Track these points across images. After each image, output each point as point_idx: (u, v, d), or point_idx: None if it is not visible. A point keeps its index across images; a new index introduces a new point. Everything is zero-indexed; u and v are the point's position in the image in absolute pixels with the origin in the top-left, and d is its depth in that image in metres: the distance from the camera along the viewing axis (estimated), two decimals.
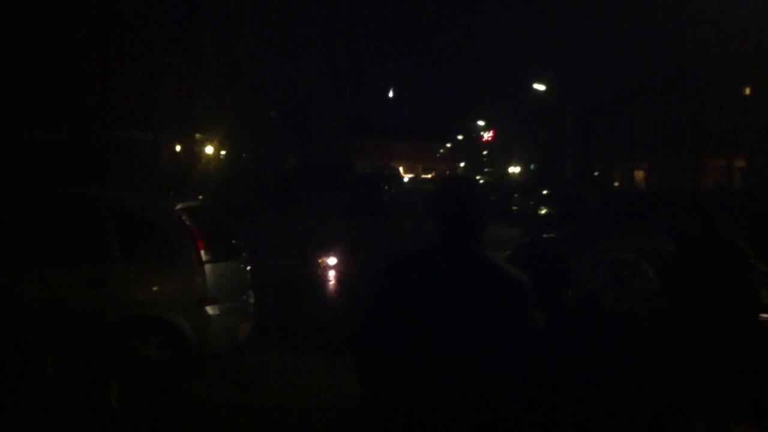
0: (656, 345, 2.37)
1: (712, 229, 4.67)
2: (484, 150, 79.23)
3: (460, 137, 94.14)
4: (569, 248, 8.08)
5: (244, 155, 39.47)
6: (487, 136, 78.17)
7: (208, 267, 6.62)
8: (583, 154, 44.36)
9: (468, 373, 2.56)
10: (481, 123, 79.40)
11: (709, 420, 4.44)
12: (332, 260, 15.44)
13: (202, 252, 6.62)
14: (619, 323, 2.36)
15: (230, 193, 24.03)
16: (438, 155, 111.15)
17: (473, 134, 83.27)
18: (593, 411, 2.31)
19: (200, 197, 7.91)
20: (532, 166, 55.47)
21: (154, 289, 6.69)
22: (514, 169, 63.98)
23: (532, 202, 26.69)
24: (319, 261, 15.56)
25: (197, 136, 34.76)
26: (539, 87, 42.59)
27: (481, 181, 40.59)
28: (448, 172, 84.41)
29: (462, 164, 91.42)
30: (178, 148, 33.04)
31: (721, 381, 4.39)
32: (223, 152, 36.86)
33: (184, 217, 6.76)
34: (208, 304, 6.59)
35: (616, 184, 42.19)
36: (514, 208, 28.78)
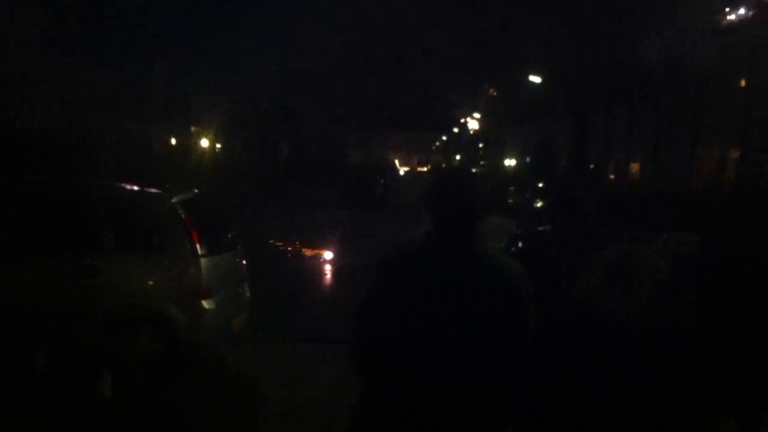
0: (656, 345, 2.36)
1: (736, 227, 4.63)
2: (479, 143, 79.15)
3: (455, 130, 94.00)
4: (566, 244, 8.09)
5: (240, 149, 39.40)
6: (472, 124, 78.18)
7: (203, 260, 6.62)
8: (578, 148, 44.33)
9: (466, 369, 2.53)
10: (477, 115, 79.35)
11: (741, 416, 4.40)
12: (329, 254, 15.43)
13: (197, 244, 6.62)
14: (616, 323, 2.34)
15: (224, 185, 23.99)
16: (434, 148, 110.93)
17: (468, 126, 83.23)
18: (592, 411, 2.32)
19: (195, 190, 7.89)
20: (528, 159, 55.43)
21: (149, 281, 6.68)
22: (509, 162, 63.92)
23: (527, 195, 26.70)
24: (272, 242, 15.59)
25: (192, 128, 34.67)
26: (535, 79, 42.48)
27: (474, 170, 40.37)
28: (444, 165, 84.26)
29: (458, 157, 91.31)
30: (173, 140, 32.96)
31: (747, 379, 4.35)
32: (218, 145, 36.79)
33: (179, 210, 6.75)
34: (203, 297, 6.59)
35: (611, 177, 42.20)
36: (510, 200, 28.80)
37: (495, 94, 64.29)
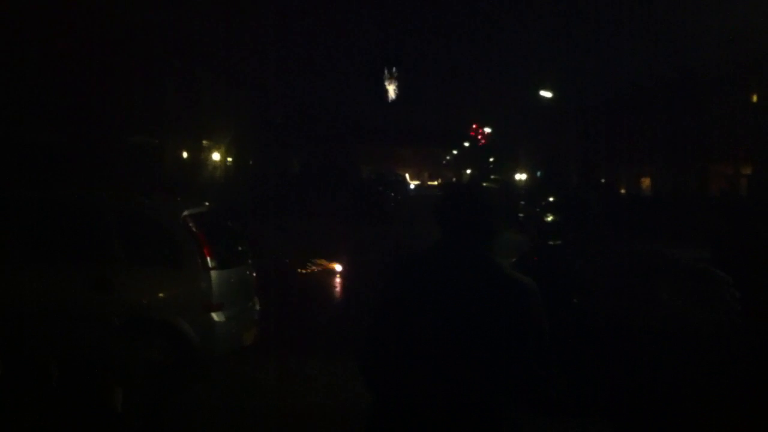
0: (663, 356, 2.34)
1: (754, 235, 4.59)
2: (490, 157, 79.17)
3: (466, 144, 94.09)
4: (575, 255, 8.07)
5: (251, 162, 39.55)
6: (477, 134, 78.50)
7: (213, 273, 6.63)
8: (588, 161, 44.30)
9: (473, 377, 2.56)
10: (487, 130, 79.41)
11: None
12: (338, 267, 15.42)
13: (208, 258, 6.63)
14: (623, 333, 2.34)
15: (236, 199, 24.03)
16: (444, 162, 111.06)
17: (478, 138, 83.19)
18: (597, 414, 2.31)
19: (207, 203, 7.92)
20: (538, 173, 55.37)
21: (160, 294, 6.70)
22: (520, 176, 63.89)
23: (538, 209, 26.65)
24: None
25: (204, 142, 34.83)
26: (546, 94, 42.48)
27: (484, 185, 40.36)
28: (454, 179, 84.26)
29: (468, 171, 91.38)
30: (185, 154, 33.11)
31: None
32: (229, 159, 36.93)
33: (190, 223, 6.78)
34: (214, 310, 6.60)
35: (622, 191, 42.09)
36: (521, 214, 28.75)
37: (481, 134, 64.82)
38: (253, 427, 6.13)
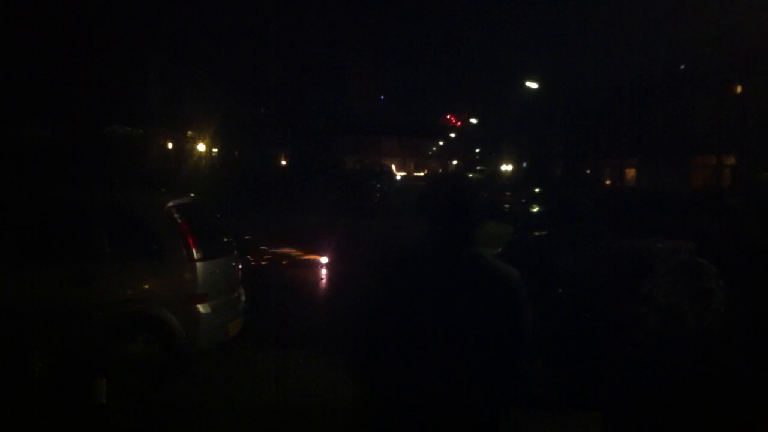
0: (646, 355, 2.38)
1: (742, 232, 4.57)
2: (476, 148, 79.33)
3: (452, 135, 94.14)
4: (561, 247, 8.12)
5: (236, 153, 39.39)
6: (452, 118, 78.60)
7: (198, 264, 6.61)
8: (574, 153, 44.44)
9: (467, 370, 2.56)
10: (473, 121, 79.40)
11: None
12: (324, 259, 15.38)
13: (193, 249, 6.61)
14: (615, 328, 2.37)
15: (220, 191, 23.89)
16: (430, 153, 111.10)
17: (466, 130, 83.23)
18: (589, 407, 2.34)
19: (191, 194, 7.88)
20: (524, 164, 55.52)
21: (145, 286, 6.67)
22: (506, 167, 63.97)
23: (523, 200, 26.73)
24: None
25: (189, 133, 34.61)
26: (532, 85, 42.47)
27: (470, 176, 40.44)
28: (440, 170, 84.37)
29: (454, 162, 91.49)
30: (169, 145, 32.92)
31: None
32: (215, 150, 36.74)
33: (175, 214, 6.74)
34: (198, 302, 6.58)
35: (607, 182, 42.26)
36: (506, 205, 28.81)
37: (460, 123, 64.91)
38: (245, 424, 6.10)
